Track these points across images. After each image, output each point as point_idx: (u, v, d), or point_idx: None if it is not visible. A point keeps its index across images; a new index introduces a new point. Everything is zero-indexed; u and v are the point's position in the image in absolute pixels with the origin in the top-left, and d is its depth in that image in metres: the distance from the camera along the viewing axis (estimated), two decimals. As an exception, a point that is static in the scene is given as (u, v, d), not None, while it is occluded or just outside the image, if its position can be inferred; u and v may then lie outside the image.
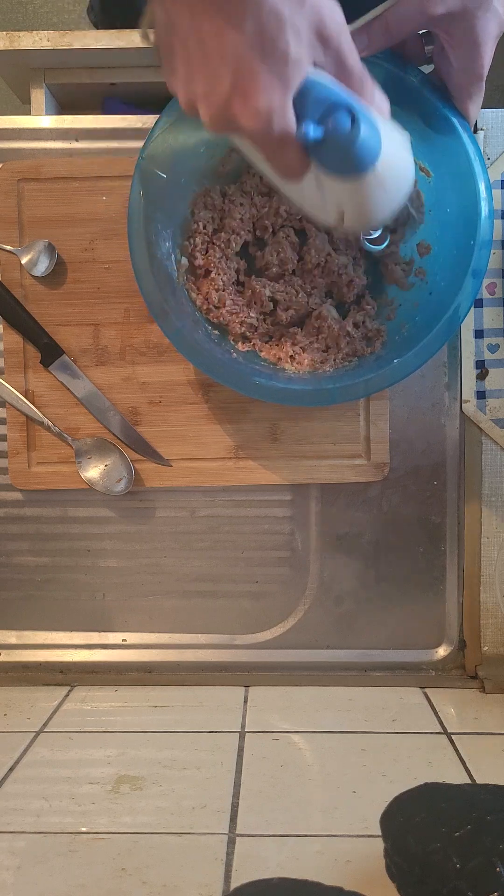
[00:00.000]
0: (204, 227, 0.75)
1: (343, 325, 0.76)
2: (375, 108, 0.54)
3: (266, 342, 0.78)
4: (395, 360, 0.71)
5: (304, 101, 0.51)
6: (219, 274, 0.76)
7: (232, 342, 0.77)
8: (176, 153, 0.71)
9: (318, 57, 0.51)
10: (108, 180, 0.79)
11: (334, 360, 0.76)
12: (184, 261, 0.75)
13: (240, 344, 0.77)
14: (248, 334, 0.77)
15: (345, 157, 0.53)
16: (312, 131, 0.51)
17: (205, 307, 0.76)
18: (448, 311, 0.70)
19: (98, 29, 1.04)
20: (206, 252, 0.76)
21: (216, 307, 0.76)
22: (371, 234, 0.74)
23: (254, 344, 0.77)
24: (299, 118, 0.51)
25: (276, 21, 0.47)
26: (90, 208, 0.80)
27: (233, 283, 0.77)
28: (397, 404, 0.81)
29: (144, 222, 0.71)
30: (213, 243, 0.76)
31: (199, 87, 0.50)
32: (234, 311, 0.76)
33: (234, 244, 0.76)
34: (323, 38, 0.50)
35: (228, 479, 0.81)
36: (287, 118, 0.50)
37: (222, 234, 0.76)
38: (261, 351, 0.77)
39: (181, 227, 0.75)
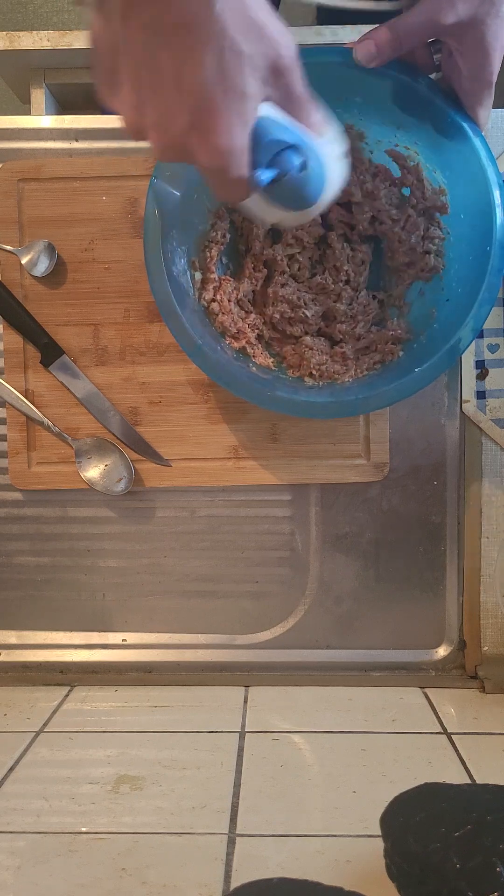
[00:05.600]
0: (223, 237, 0.76)
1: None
2: (316, 128, 0.54)
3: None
4: (416, 370, 0.71)
5: (257, 140, 0.50)
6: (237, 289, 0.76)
7: (251, 356, 0.77)
8: (187, 169, 0.71)
9: (269, 90, 0.50)
10: (108, 180, 0.79)
11: (355, 371, 0.76)
12: (197, 276, 0.75)
13: (259, 358, 0.77)
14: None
15: (293, 196, 0.55)
16: (265, 176, 0.51)
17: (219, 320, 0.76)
18: (466, 317, 0.69)
19: None
20: (220, 264, 0.76)
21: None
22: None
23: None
24: (251, 156, 0.50)
25: (237, 57, 0.46)
26: (90, 208, 0.80)
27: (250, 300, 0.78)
28: (397, 404, 0.81)
29: (161, 241, 0.71)
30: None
31: (150, 116, 0.48)
32: (255, 325, 0.77)
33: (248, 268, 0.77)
34: (277, 72, 0.49)
35: (228, 479, 0.81)
36: (243, 160, 0.49)
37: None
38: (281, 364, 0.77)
39: (195, 242, 0.75)
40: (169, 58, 0.46)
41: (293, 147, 0.52)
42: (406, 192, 0.75)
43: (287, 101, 0.52)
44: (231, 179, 0.50)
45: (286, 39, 0.49)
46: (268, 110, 0.51)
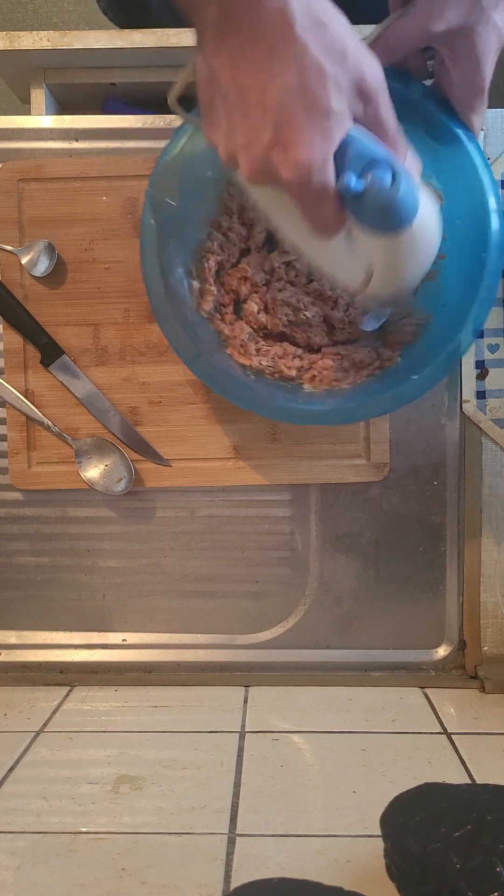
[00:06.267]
0: (219, 247, 0.75)
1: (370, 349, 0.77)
2: (407, 161, 0.55)
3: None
4: (415, 376, 0.71)
5: (345, 155, 0.51)
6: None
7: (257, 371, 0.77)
8: (183, 180, 0.71)
9: (357, 112, 0.51)
10: (108, 180, 0.79)
11: (354, 377, 0.76)
12: (195, 284, 0.75)
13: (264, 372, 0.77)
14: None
15: (384, 212, 0.53)
16: (354, 183, 0.51)
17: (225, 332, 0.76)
18: (464, 322, 0.69)
19: (120, 28, 1.04)
20: (218, 275, 0.76)
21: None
22: (377, 315, 0.70)
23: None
24: (340, 171, 0.51)
25: (319, 75, 0.48)
26: (90, 208, 0.80)
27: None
28: (397, 404, 0.81)
29: (158, 250, 0.72)
30: (223, 266, 0.77)
31: (239, 138, 0.51)
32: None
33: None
34: (363, 94, 0.51)
35: (228, 479, 0.81)
36: (327, 171, 0.50)
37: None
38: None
39: (192, 251, 0.75)
40: (255, 80, 0.48)
41: (384, 163, 0.52)
42: None
43: (377, 128, 0.53)
44: (316, 196, 0.51)
45: (371, 63, 0.51)
46: (359, 130, 0.51)
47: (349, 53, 0.49)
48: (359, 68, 0.50)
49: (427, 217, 0.55)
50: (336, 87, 0.49)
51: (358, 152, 0.51)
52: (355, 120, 0.52)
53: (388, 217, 0.54)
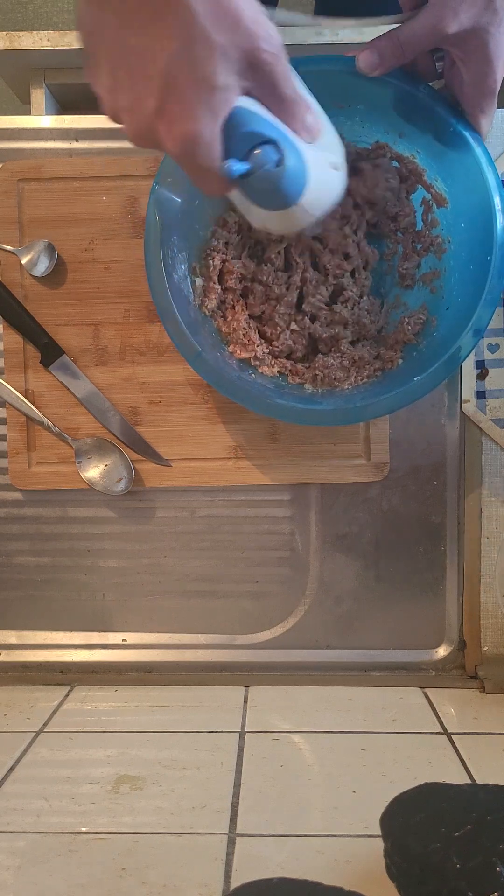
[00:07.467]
0: (224, 245, 0.75)
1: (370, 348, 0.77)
2: (306, 131, 0.53)
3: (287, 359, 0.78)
4: (416, 378, 0.70)
5: (232, 132, 0.49)
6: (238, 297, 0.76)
7: (256, 367, 0.77)
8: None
9: (247, 84, 0.49)
10: (108, 180, 0.79)
11: (355, 378, 0.76)
12: (199, 282, 0.75)
13: (264, 368, 0.76)
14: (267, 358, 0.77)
15: (269, 192, 0.52)
16: (237, 168, 0.49)
17: (224, 330, 0.76)
18: (467, 325, 0.69)
19: None
20: (221, 273, 0.76)
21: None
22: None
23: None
24: (226, 149, 0.49)
25: (206, 46, 0.45)
26: (90, 208, 0.80)
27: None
28: (397, 404, 0.81)
29: (162, 247, 0.71)
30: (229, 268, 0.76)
31: (122, 100, 0.48)
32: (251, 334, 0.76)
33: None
34: (255, 65, 0.48)
35: (228, 479, 0.81)
36: (212, 149, 0.48)
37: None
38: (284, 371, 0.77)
39: (196, 249, 0.75)
40: (140, 43, 0.46)
41: (271, 142, 0.50)
42: (395, 164, 0.74)
43: (270, 98, 0.51)
44: (201, 169, 0.49)
45: (266, 32, 0.48)
46: (248, 104, 0.50)
47: (242, 21, 0.46)
48: (251, 36, 0.47)
49: (321, 178, 0.54)
50: (224, 59, 0.46)
51: (244, 130, 0.49)
52: (248, 93, 0.49)
53: (273, 197, 0.53)
